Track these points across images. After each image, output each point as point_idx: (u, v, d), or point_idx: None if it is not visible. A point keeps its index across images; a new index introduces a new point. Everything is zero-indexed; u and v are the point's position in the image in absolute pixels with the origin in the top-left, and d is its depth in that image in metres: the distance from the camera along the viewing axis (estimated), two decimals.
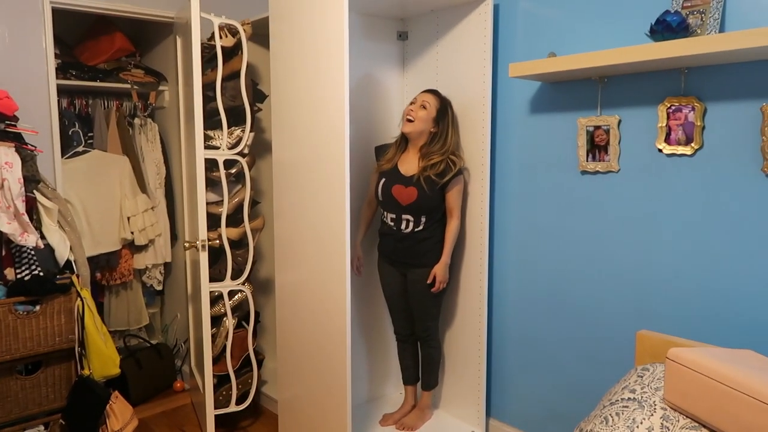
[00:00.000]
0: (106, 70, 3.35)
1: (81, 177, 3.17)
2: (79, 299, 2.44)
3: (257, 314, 2.94)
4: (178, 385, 3.41)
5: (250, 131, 2.76)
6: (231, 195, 2.79)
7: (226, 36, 2.71)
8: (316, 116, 2.31)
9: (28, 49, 2.65)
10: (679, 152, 2.07)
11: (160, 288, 3.62)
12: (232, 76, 2.72)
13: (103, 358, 2.49)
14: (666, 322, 2.15)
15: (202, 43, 2.60)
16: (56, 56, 2.93)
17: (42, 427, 2.46)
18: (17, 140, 2.37)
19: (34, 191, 2.42)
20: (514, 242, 2.63)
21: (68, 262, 2.49)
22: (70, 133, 3.23)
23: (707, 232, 2.04)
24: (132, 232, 3.32)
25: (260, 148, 3.15)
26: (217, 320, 2.79)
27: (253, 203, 3.05)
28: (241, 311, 2.89)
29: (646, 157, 2.16)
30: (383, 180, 2.57)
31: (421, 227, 2.53)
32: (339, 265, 2.24)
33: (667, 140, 2.09)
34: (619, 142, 2.23)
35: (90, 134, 3.36)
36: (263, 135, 3.17)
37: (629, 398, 1.61)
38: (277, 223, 2.63)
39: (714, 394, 1.42)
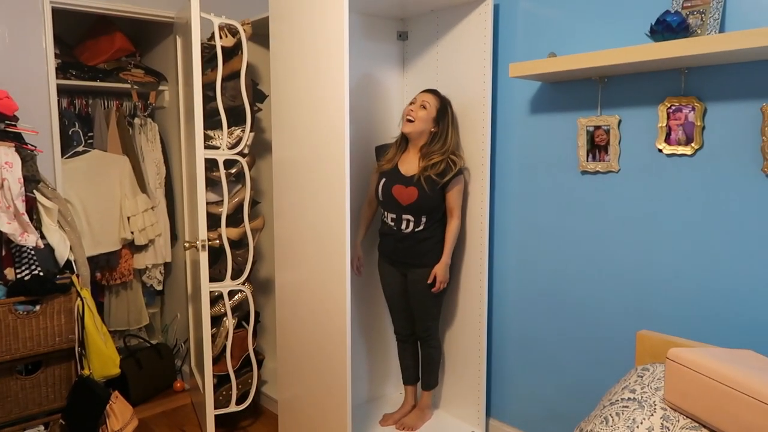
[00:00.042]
0: (106, 70, 3.35)
1: (81, 177, 3.17)
2: (79, 299, 2.44)
3: (257, 314, 2.94)
4: (178, 385, 3.41)
5: (250, 131, 2.76)
6: (231, 195, 2.79)
7: (226, 36, 2.71)
8: (316, 116, 2.31)
9: (28, 49, 2.65)
10: (679, 152, 2.07)
11: (160, 288, 3.62)
12: (232, 76, 2.72)
13: (103, 358, 2.49)
14: (666, 322, 2.15)
15: (202, 43, 2.60)
16: (56, 56, 2.93)
17: (42, 427, 2.46)
18: (17, 140, 2.37)
19: (34, 191, 2.42)
20: (514, 242, 2.63)
21: (68, 261, 2.49)
22: (70, 133, 3.23)
23: (707, 232, 2.04)
24: (132, 232, 3.32)
25: (260, 148, 3.15)
26: (217, 320, 2.79)
27: (253, 203, 3.05)
28: (241, 311, 2.89)
29: (647, 157, 2.16)
30: (383, 180, 2.57)
31: (421, 227, 2.53)
32: (339, 265, 2.24)
33: (668, 140, 2.09)
34: (619, 142, 2.23)
35: (90, 134, 3.36)
36: (263, 135, 3.17)
37: (629, 398, 1.61)
38: (277, 223, 2.63)
39: (714, 394, 1.42)
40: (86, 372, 2.46)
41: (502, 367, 2.73)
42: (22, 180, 2.27)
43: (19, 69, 2.62)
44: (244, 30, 2.71)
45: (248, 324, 2.85)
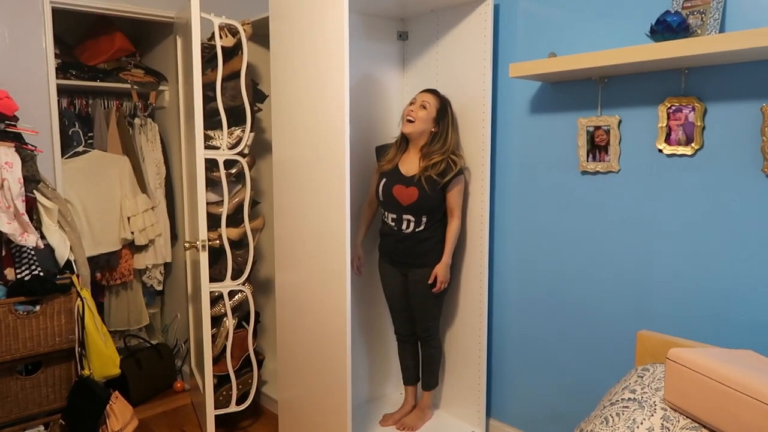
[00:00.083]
0: (106, 70, 3.35)
1: (81, 177, 3.17)
2: (79, 299, 2.44)
3: (257, 314, 2.94)
4: (179, 385, 3.41)
5: (250, 131, 2.76)
6: (231, 195, 2.79)
7: (226, 36, 2.71)
8: (316, 116, 2.31)
9: (28, 49, 2.65)
10: (679, 152, 2.07)
11: (160, 288, 3.62)
12: (232, 76, 2.72)
13: (103, 358, 2.49)
14: (666, 322, 2.15)
15: (202, 43, 2.60)
16: (56, 56, 2.93)
17: (42, 428, 2.46)
18: (17, 140, 2.37)
19: (34, 191, 2.42)
20: (514, 242, 2.63)
21: (68, 262, 2.49)
22: (70, 133, 3.23)
23: (707, 233, 2.04)
24: (132, 232, 3.32)
25: (260, 148, 3.15)
26: (217, 320, 2.79)
27: (253, 203, 3.05)
28: (241, 311, 2.89)
29: (647, 157, 2.16)
30: (384, 180, 2.57)
31: (422, 227, 2.53)
32: (339, 265, 2.24)
33: (668, 140, 2.09)
34: (619, 143, 2.23)
35: (90, 134, 3.36)
36: (263, 135, 3.17)
37: (629, 398, 1.61)
38: (277, 223, 2.63)
39: (714, 394, 1.42)
40: (86, 372, 2.46)
41: (502, 367, 2.73)
42: (22, 180, 2.27)
43: (19, 69, 2.62)
44: (244, 30, 2.71)
45: (248, 324, 2.85)
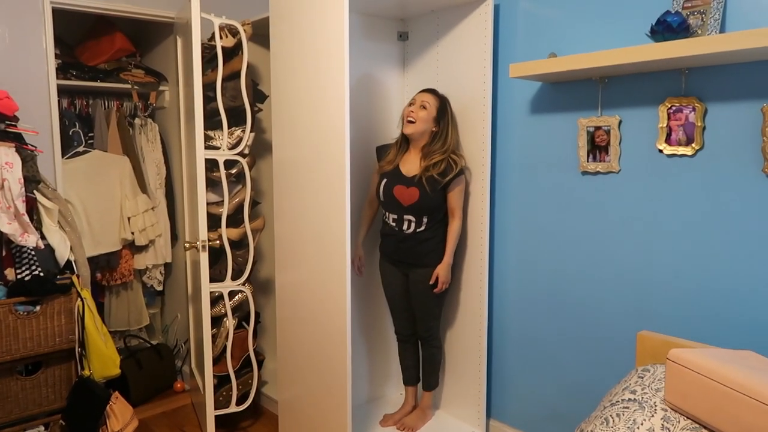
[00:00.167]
0: (107, 71, 3.35)
1: (81, 177, 3.17)
2: (79, 299, 2.44)
3: (257, 315, 2.94)
4: (179, 385, 3.41)
5: (251, 131, 2.76)
6: (231, 195, 2.79)
7: (227, 36, 2.71)
8: (316, 116, 2.31)
9: (29, 49, 2.65)
10: (679, 153, 2.07)
11: (160, 288, 3.62)
12: (232, 77, 2.72)
13: (104, 359, 2.49)
14: (666, 322, 2.15)
15: (202, 44, 2.60)
16: (56, 56, 2.93)
17: (42, 428, 2.46)
18: (17, 140, 2.37)
19: (35, 191, 2.42)
20: (514, 242, 2.63)
21: (68, 262, 2.49)
22: (70, 133, 3.23)
23: (708, 233, 2.03)
24: (132, 233, 3.32)
25: (261, 149, 3.15)
26: (217, 321, 2.79)
27: (254, 203, 3.05)
28: (241, 312, 2.89)
29: (647, 157, 2.16)
30: (384, 181, 2.57)
31: (422, 227, 2.53)
32: (339, 265, 2.24)
33: (668, 141, 2.09)
34: (619, 143, 2.23)
35: (90, 134, 3.36)
36: (264, 135, 3.17)
37: (630, 399, 1.61)
38: (278, 223, 2.63)
39: (714, 395, 1.42)
40: (86, 372, 2.46)
41: (503, 368, 2.72)
42: (22, 180, 2.27)
43: (19, 69, 2.62)
44: (245, 30, 2.71)
45: (248, 324, 2.85)
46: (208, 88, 2.67)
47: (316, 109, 2.31)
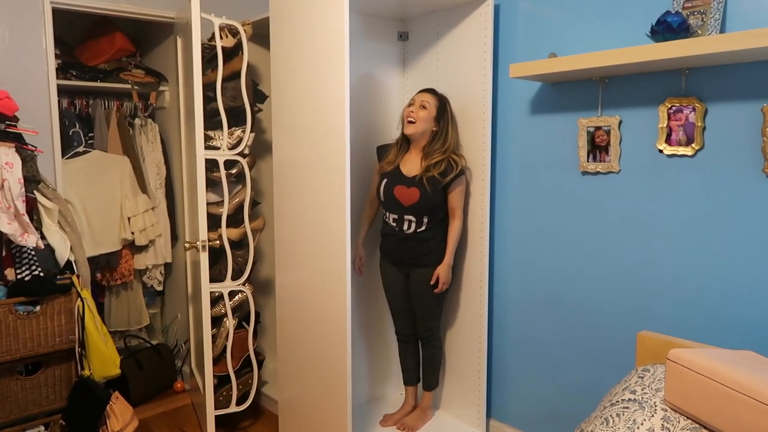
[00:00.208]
0: (107, 71, 3.35)
1: (81, 177, 3.17)
2: (79, 300, 2.44)
3: (257, 315, 2.94)
4: (179, 385, 3.41)
5: (251, 131, 2.76)
6: (231, 195, 2.79)
7: (227, 36, 2.71)
8: (316, 116, 2.31)
9: (29, 49, 2.65)
10: (679, 153, 2.07)
11: (160, 288, 3.62)
12: (232, 77, 2.72)
13: (104, 359, 2.49)
14: (666, 322, 2.15)
15: (202, 44, 2.60)
16: (57, 56, 2.93)
17: (42, 428, 2.46)
18: (17, 140, 2.37)
19: (35, 191, 2.42)
20: (514, 242, 2.63)
21: (68, 262, 2.49)
22: (70, 133, 3.23)
23: (708, 233, 2.03)
24: (132, 233, 3.32)
25: (261, 149, 3.15)
26: (217, 321, 2.79)
27: (254, 203, 3.05)
28: (241, 312, 2.89)
29: (647, 157, 2.16)
30: (385, 181, 2.57)
31: (423, 228, 2.53)
32: (339, 265, 2.24)
33: (668, 141, 2.09)
34: (619, 143, 2.23)
35: (90, 134, 3.36)
36: (264, 135, 3.17)
37: (630, 399, 1.61)
38: (278, 223, 2.63)
39: (714, 395, 1.42)
40: (86, 372, 2.46)
41: (503, 368, 2.72)
42: (22, 180, 2.27)
43: (19, 69, 2.62)
44: (245, 30, 2.71)
45: (248, 324, 2.85)
46: (208, 88, 2.67)
47: (316, 109, 2.31)
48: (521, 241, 2.60)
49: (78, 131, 3.27)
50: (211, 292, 2.68)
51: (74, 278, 2.46)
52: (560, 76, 2.26)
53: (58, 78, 2.80)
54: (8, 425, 2.37)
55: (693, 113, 2.01)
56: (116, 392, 2.56)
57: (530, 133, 2.52)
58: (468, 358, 2.75)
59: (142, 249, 3.43)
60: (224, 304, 2.76)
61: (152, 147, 3.49)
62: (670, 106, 2.06)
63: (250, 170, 2.81)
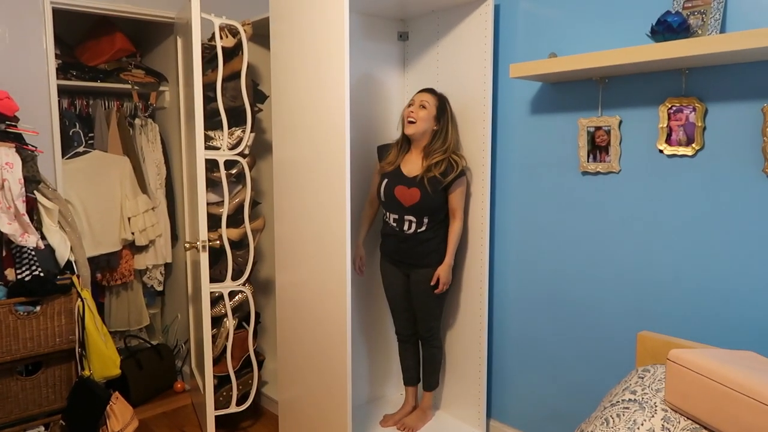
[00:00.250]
0: (107, 71, 3.35)
1: (81, 177, 3.17)
2: (79, 300, 2.44)
3: (258, 315, 2.94)
4: (179, 385, 3.41)
5: (251, 132, 2.76)
6: (231, 195, 2.79)
7: (227, 36, 2.71)
8: (316, 116, 2.31)
9: (29, 49, 2.65)
10: (680, 153, 2.07)
11: (160, 288, 3.62)
12: (232, 77, 2.72)
13: (104, 359, 2.49)
14: (666, 322, 2.15)
15: (202, 44, 2.60)
16: (57, 56, 2.93)
17: (42, 428, 2.46)
18: (18, 141, 2.37)
19: (35, 192, 2.42)
20: (514, 242, 2.63)
21: (69, 262, 2.49)
22: (70, 133, 3.23)
23: (708, 233, 2.03)
24: (132, 233, 3.32)
25: (261, 149, 3.15)
26: (217, 321, 2.79)
27: (254, 204, 3.05)
28: (241, 312, 2.89)
29: (647, 157, 2.16)
30: (386, 181, 2.57)
31: (423, 228, 2.53)
32: (339, 265, 2.24)
33: (668, 141, 2.09)
34: (620, 143, 2.23)
35: (90, 135, 3.36)
36: (264, 135, 3.17)
37: (630, 399, 1.61)
38: (278, 223, 2.63)
39: (715, 395, 1.42)
40: (86, 373, 2.46)
41: (503, 368, 2.72)
42: (22, 181, 2.27)
43: (19, 69, 2.62)
44: (245, 30, 2.71)
45: (249, 325, 2.85)
46: (209, 88, 2.67)
47: (316, 109, 2.31)
48: (521, 241, 2.60)
49: (78, 131, 3.27)
50: (211, 293, 2.68)
51: (74, 278, 2.46)
52: (560, 76, 2.26)
53: (58, 78, 2.80)
54: (8, 425, 2.37)
55: (693, 113, 2.01)
56: (116, 392, 2.56)
57: (530, 133, 2.52)
58: (468, 358, 2.74)
59: (142, 249, 3.43)
60: (224, 304, 2.76)
61: (152, 147, 3.49)
62: (670, 106, 2.06)
63: (250, 170, 2.81)
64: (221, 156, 2.68)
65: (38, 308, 2.36)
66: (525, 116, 2.54)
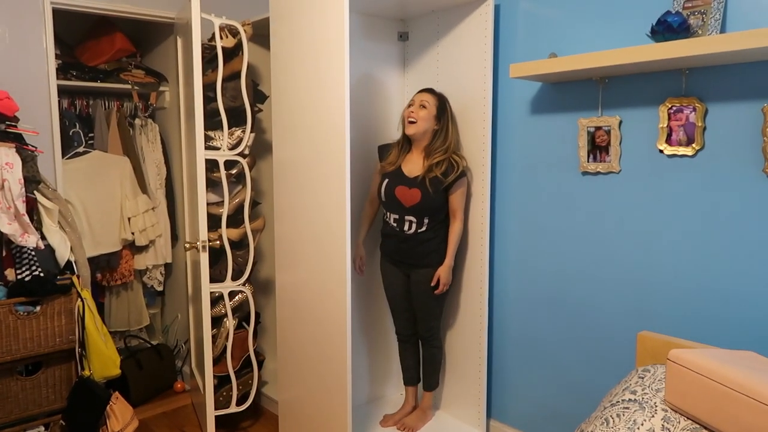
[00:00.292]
0: (107, 71, 3.35)
1: (81, 177, 3.17)
2: (79, 300, 2.44)
3: (258, 315, 2.94)
4: (179, 385, 3.41)
5: (251, 132, 2.76)
6: (231, 195, 2.79)
7: (227, 36, 2.71)
8: (316, 116, 2.31)
9: (29, 49, 2.65)
10: (680, 153, 2.07)
11: (160, 289, 3.62)
12: (232, 77, 2.72)
13: (104, 359, 2.49)
14: (666, 322, 2.15)
15: (202, 44, 2.60)
16: (57, 57, 2.93)
17: (42, 428, 2.46)
18: (18, 141, 2.37)
19: (35, 192, 2.42)
20: (514, 242, 2.62)
21: (69, 262, 2.49)
22: (70, 133, 3.23)
23: (708, 233, 2.03)
24: (132, 233, 3.32)
25: (261, 149, 3.15)
26: (217, 321, 2.79)
27: (254, 204, 3.05)
28: (241, 312, 2.89)
29: (647, 157, 2.16)
30: (386, 181, 2.57)
31: (424, 228, 2.53)
32: (339, 265, 2.24)
33: (668, 141, 2.09)
34: (620, 143, 2.23)
35: (90, 135, 3.36)
36: (264, 135, 3.17)
37: (630, 399, 1.61)
38: (278, 223, 2.63)
39: (715, 395, 1.42)
40: (86, 373, 2.46)
41: (503, 368, 2.72)
42: (22, 181, 2.27)
43: (19, 69, 2.62)
44: (245, 30, 2.71)
45: (249, 325, 2.85)
46: (209, 88, 2.67)
47: (316, 109, 2.31)
48: (521, 241, 2.60)
49: (78, 131, 3.27)
50: (211, 293, 2.68)
51: (74, 278, 2.46)
52: (560, 76, 2.26)
53: (58, 78, 2.80)
54: (8, 425, 2.37)
55: (693, 113, 2.01)
56: (116, 392, 2.56)
57: (530, 133, 2.52)
58: (468, 358, 2.74)
59: (142, 249, 3.43)
60: (224, 304, 2.76)
61: (152, 147, 3.49)
62: (670, 106, 2.06)
63: (250, 170, 2.81)
64: (221, 156, 2.68)
65: (38, 308, 2.36)
66: (525, 116, 2.54)
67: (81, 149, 3.24)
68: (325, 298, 2.34)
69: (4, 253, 2.37)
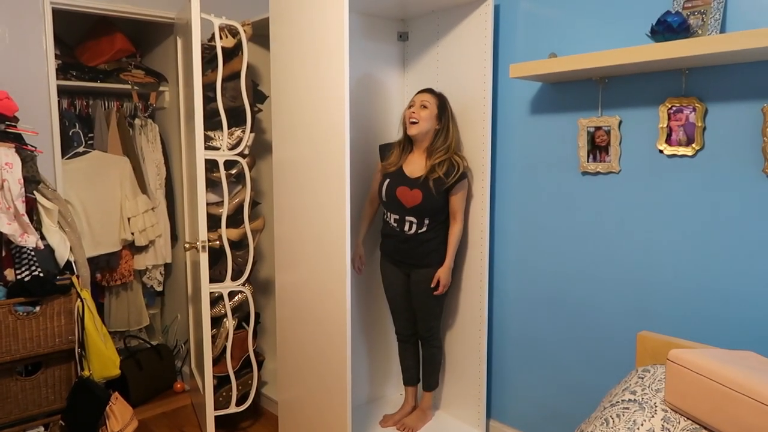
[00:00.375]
0: (107, 71, 3.35)
1: (81, 178, 3.17)
2: (79, 300, 2.43)
3: (257, 315, 2.94)
4: (179, 386, 3.41)
5: (251, 132, 2.76)
6: (231, 196, 2.79)
7: (227, 37, 2.71)
8: (316, 117, 2.31)
9: (28, 49, 2.65)
10: (680, 153, 2.07)
11: (160, 289, 3.62)
12: (232, 77, 2.72)
13: (103, 359, 2.49)
14: (666, 322, 2.15)
15: (202, 44, 2.60)
16: (56, 57, 2.93)
17: (42, 428, 2.46)
18: (17, 141, 2.36)
19: (34, 192, 2.42)
20: (514, 242, 2.62)
21: (68, 262, 2.49)
22: (70, 133, 3.23)
23: (708, 233, 2.03)
24: (132, 233, 3.32)
25: (261, 149, 3.15)
26: (217, 321, 2.79)
27: (254, 204, 3.05)
28: (241, 312, 2.89)
29: (647, 157, 2.16)
30: (387, 181, 2.57)
31: (424, 229, 2.53)
32: (339, 265, 2.24)
33: (668, 141, 2.09)
34: (619, 143, 2.23)
35: (90, 135, 3.36)
36: (264, 136, 3.17)
37: (630, 400, 1.61)
38: (278, 223, 2.63)
39: (714, 395, 1.42)
40: (86, 373, 2.46)
41: (503, 368, 2.72)
42: (22, 181, 2.27)
43: (19, 69, 2.62)
44: (245, 31, 2.71)
45: (248, 325, 2.85)
46: (208, 88, 2.67)
47: (316, 110, 2.30)
48: (521, 241, 2.60)
49: (78, 131, 3.27)
50: (210, 293, 2.68)
51: (74, 279, 2.46)
52: (560, 76, 2.26)
53: (58, 78, 2.80)
54: (8, 426, 2.37)
55: (693, 113, 2.01)
56: (116, 393, 2.56)
57: (530, 133, 2.52)
58: (468, 358, 2.74)
59: (142, 249, 3.43)
60: (224, 304, 2.76)
61: (152, 147, 3.49)
62: (670, 106, 2.06)
63: (250, 170, 2.81)
64: (221, 156, 2.68)
65: (38, 308, 2.36)
66: (525, 116, 2.54)
67: (81, 149, 3.24)
68: (325, 298, 2.34)
69: (3, 254, 2.37)
